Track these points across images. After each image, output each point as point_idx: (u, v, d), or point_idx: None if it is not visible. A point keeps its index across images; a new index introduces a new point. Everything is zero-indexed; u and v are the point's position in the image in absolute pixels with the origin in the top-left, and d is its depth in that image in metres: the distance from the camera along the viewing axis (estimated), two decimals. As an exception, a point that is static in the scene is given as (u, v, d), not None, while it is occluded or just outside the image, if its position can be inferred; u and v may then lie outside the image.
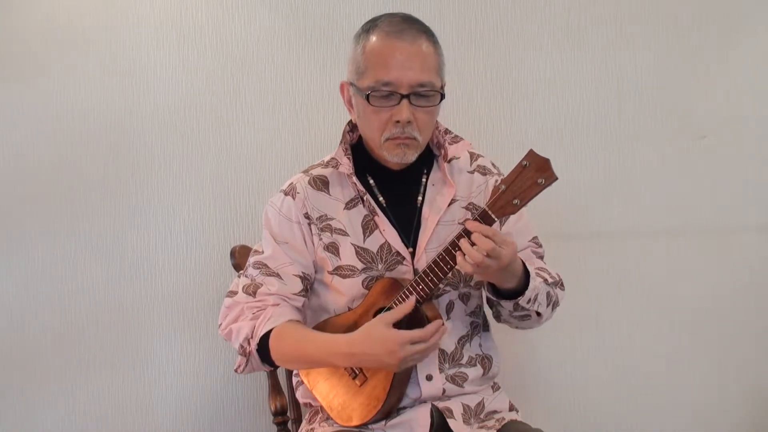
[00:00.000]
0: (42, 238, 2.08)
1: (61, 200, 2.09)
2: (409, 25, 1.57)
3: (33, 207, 2.08)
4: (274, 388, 1.91)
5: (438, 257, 1.51)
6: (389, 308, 1.56)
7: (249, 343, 1.62)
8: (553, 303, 1.66)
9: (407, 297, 1.54)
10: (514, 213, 1.48)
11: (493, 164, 1.76)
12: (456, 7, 2.16)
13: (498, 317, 1.72)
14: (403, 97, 1.55)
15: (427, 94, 1.57)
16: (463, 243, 1.46)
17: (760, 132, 2.25)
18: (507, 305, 1.59)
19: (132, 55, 2.10)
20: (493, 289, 1.58)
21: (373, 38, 1.57)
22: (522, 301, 1.56)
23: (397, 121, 1.56)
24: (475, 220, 1.48)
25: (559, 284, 1.69)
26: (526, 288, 1.55)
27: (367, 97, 1.56)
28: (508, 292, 1.57)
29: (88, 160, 2.09)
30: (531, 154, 1.46)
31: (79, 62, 2.08)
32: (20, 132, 2.08)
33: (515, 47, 2.18)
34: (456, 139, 1.71)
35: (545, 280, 1.63)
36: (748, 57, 2.23)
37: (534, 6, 2.18)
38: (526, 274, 1.56)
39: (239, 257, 1.91)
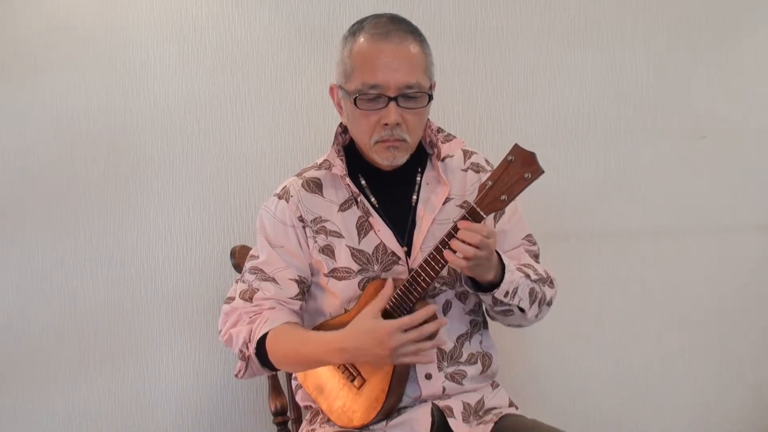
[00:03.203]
0: (42, 238, 2.08)
1: (61, 200, 2.09)
2: (395, 26, 1.56)
3: (33, 207, 2.08)
4: (274, 388, 1.91)
5: (429, 256, 1.51)
6: (384, 309, 1.56)
7: (247, 347, 1.62)
8: (539, 300, 1.64)
9: (401, 296, 1.54)
10: (501, 209, 1.50)
11: (486, 161, 1.76)
12: (456, 7, 2.16)
13: (487, 313, 1.72)
14: (390, 99, 1.54)
15: (415, 95, 1.56)
16: (454, 242, 1.47)
17: (760, 132, 2.25)
18: (486, 299, 1.60)
19: (132, 55, 2.10)
20: (472, 282, 1.58)
21: (360, 40, 1.56)
22: (498, 293, 1.56)
23: (386, 124, 1.56)
24: (464, 217, 1.48)
25: (547, 281, 1.68)
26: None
27: (355, 101, 1.56)
28: (486, 285, 1.56)
29: (88, 160, 2.09)
30: (516, 148, 1.45)
31: (79, 62, 2.08)
32: (20, 132, 2.08)
33: (515, 47, 2.18)
34: (448, 138, 1.70)
35: (527, 276, 1.62)
36: (748, 57, 2.23)
37: (534, 6, 2.18)
38: (504, 267, 1.56)
39: (239, 257, 1.91)
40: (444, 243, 1.49)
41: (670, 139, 2.23)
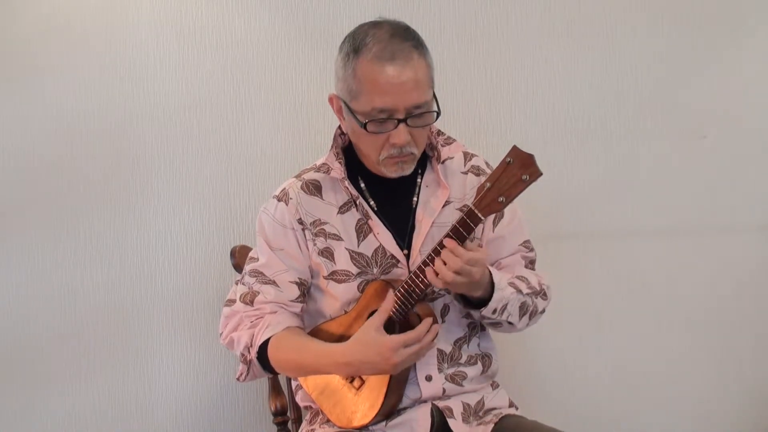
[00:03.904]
0: (42, 238, 2.08)
1: (61, 200, 2.09)
2: (399, 43, 1.52)
3: (33, 207, 2.08)
4: (274, 388, 1.91)
5: (428, 258, 1.51)
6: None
7: (249, 352, 1.62)
8: (530, 312, 1.65)
9: (399, 298, 1.54)
10: (499, 211, 1.49)
11: (487, 163, 1.75)
12: (455, 7, 2.16)
13: None
14: (399, 121, 1.53)
15: (423, 113, 1.55)
16: (437, 262, 1.47)
17: (760, 132, 2.25)
18: (474, 314, 1.60)
19: (132, 56, 2.10)
20: (462, 297, 1.59)
21: (364, 61, 1.52)
22: (486, 311, 1.56)
23: (395, 143, 1.55)
24: (462, 218, 1.48)
25: (540, 294, 1.67)
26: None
27: (365, 126, 1.54)
28: (476, 300, 1.57)
29: (88, 160, 2.09)
30: (514, 150, 1.45)
31: (79, 62, 2.08)
32: (20, 132, 2.08)
33: (515, 47, 2.18)
34: (449, 141, 1.70)
35: (518, 290, 1.61)
36: (748, 57, 2.23)
37: (534, 6, 2.18)
38: (494, 284, 1.56)
39: (239, 257, 1.91)
40: (431, 258, 1.50)
41: (670, 139, 2.23)
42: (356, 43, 1.55)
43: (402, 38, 1.54)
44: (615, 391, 2.25)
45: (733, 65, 2.23)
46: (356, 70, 1.54)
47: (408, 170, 1.61)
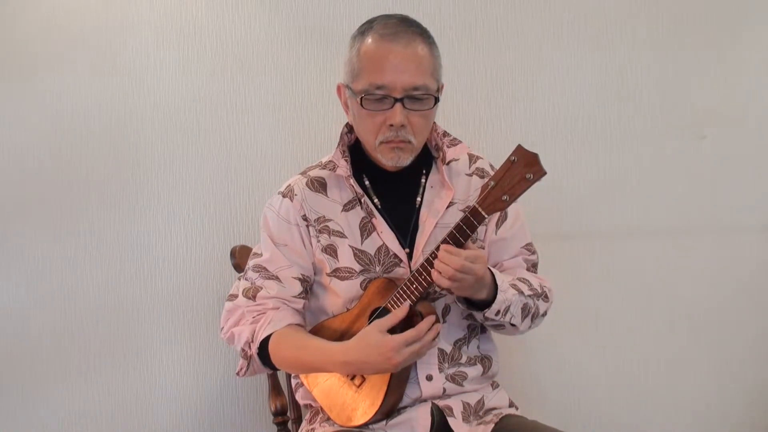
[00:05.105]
0: (42, 238, 2.08)
1: (61, 200, 2.09)
2: (404, 28, 1.56)
3: (33, 207, 2.08)
4: (274, 388, 1.91)
5: (431, 255, 1.51)
6: (384, 308, 1.57)
7: (250, 347, 1.62)
8: (532, 314, 1.65)
9: (401, 296, 1.55)
10: (503, 209, 1.50)
11: (492, 166, 1.76)
12: (456, 7, 2.16)
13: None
14: (396, 100, 1.54)
15: (422, 97, 1.56)
16: (436, 262, 1.48)
17: (760, 132, 2.25)
18: (477, 315, 1.60)
19: (132, 55, 2.10)
20: (465, 299, 1.59)
21: (368, 40, 1.57)
22: (489, 313, 1.56)
23: (391, 125, 1.56)
24: (466, 216, 1.49)
25: (542, 296, 1.67)
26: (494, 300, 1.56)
27: (361, 101, 1.56)
28: (479, 302, 1.57)
29: (88, 160, 2.09)
30: (519, 149, 1.46)
31: (79, 62, 2.08)
32: (20, 132, 2.08)
33: (515, 47, 2.18)
34: (454, 142, 1.70)
35: (520, 292, 1.62)
36: (748, 57, 2.24)
37: (534, 6, 2.18)
38: (497, 285, 1.57)
39: (239, 257, 1.91)
40: (434, 255, 1.50)
41: (670, 139, 2.23)
42: (364, 28, 1.60)
43: (409, 24, 1.58)
44: (615, 391, 2.25)
45: (733, 65, 2.23)
46: (360, 49, 1.57)
47: (404, 161, 1.61)
